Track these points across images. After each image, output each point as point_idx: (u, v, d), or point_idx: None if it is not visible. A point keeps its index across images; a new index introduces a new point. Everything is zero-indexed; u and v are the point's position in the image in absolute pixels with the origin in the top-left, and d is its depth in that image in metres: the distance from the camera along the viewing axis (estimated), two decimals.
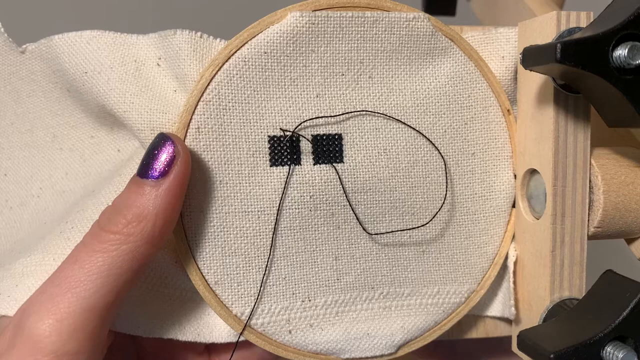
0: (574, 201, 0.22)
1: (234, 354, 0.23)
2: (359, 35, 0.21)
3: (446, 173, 0.23)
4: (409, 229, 0.23)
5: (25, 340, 0.17)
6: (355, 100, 0.22)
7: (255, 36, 0.21)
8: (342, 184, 0.22)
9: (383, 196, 0.22)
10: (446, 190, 0.23)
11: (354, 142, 0.22)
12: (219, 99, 0.20)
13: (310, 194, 0.22)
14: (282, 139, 0.21)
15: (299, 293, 0.22)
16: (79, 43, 0.22)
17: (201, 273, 0.21)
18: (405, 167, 0.22)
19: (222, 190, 0.21)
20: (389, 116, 0.22)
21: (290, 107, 0.21)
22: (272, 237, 0.21)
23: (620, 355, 0.18)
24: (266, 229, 0.21)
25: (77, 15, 0.53)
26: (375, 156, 0.22)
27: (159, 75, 0.21)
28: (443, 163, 0.23)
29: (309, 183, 0.21)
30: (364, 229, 0.22)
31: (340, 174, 0.22)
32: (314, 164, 0.21)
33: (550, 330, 0.20)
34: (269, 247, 0.21)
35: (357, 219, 0.22)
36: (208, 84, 0.20)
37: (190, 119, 0.20)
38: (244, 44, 0.21)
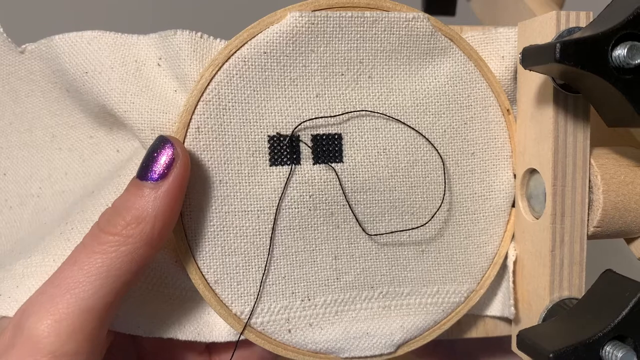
0: (573, 201, 0.22)
1: (234, 353, 0.23)
2: (358, 35, 0.21)
3: (444, 173, 0.23)
4: (409, 230, 0.23)
5: (25, 340, 0.17)
6: (355, 100, 0.22)
7: (255, 36, 0.21)
8: (341, 183, 0.22)
9: (382, 196, 0.22)
10: (444, 190, 0.23)
11: (353, 142, 0.22)
12: (219, 98, 0.21)
13: (310, 193, 0.22)
14: (281, 138, 0.21)
15: (299, 292, 0.22)
16: (79, 43, 0.22)
17: (201, 272, 0.21)
18: (405, 166, 0.22)
19: (222, 189, 0.21)
20: (389, 116, 0.22)
21: (290, 107, 0.21)
22: (272, 237, 0.21)
23: (620, 355, 0.18)
24: (266, 228, 0.21)
25: (77, 15, 0.53)
26: (375, 156, 0.22)
27: (159, 75, 0.21)
28: (442, 163, 0.23)
29: (309, 183, 0.21)
30: (363, 230, 0.22)
31: (339, 173, 0.22)
32: (314, 164, 0.21)
33: (549, 329, 0.20)
34: (268, 247, 0.21)
35: (357, 219, 0.22)
36: (208, 84, 0.20)
37: (190, 118, 0.20)
38: (244, 44, 0.21)
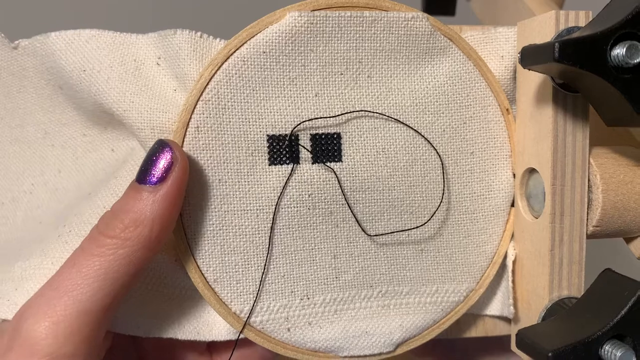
0: (572, 200, 0.22)
1: (233, 352, 0.23)
2: (357, 35, 0.21)
3: (443, 172, 0.23)
4: (408, 230, 0.23)
5: (22, 342, 0.17)
6: (354, 99, 0.22)
7: (254, 36, 0.21)
8: (340, 183, 0.22)
9: (381, 195, 0.22)
10: (443, 190, 0.23)
11: (352, 141, 0.22)
12: (218, 98, 0.21)
13: (309, 192, 0.22)
14: (281, 138, 0.21)
15: (298, 291, 0.22)
16: (77, 41, 0.22)
17: (200, 271, 0.21)
18: (404, 166, 0.22)
19: (221, 189, 0.21)
20: (387, 116, 0.22)
21: (289, 106, 0.21)
22: (271, 236, 0.22)
23: (619, 354, 0.18)
24: (265, 227, 0.21)
25: (77, 14, 0.53)
26: (374, 155, 0.22)
27: (158, 74, 0.21)
28: (441, 162, 0.23)
29: (308, 182, 0.21)
30: (363, 231, 0.22)
31: (338, 173, 0.22)
32: (313, 163, 0.22)
33: (549, 329, 0.20)
34: (267, 246, 0.22)
35: (356, 219, 0.22)
36: (207, 84, 0.20)
37: (190, 118, 0.20)
38: (243, 43, 0.21)
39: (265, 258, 0.22)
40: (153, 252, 0.19)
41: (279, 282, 0.22)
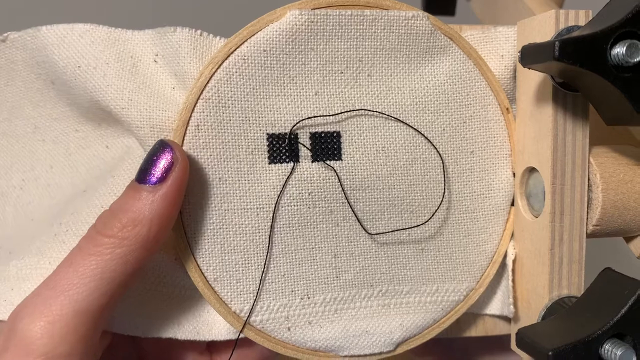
0: (572, 199, 0.22)
1: (234, 351, 0.23)
2: (358, 34, 0.21)
3: (444, 171, 0.23)
4: (409, 228, 0.23)
5: (18, 342, 0.17)
6: (354, 98, 0.22)
7: (254, 34, 0.21)
8: (340, 181, 0.22)
9: (382, 194, 0.22)
10: (444, 189, 0.23)
11: (352, 139, 0.22)
12: (219, 96, 0.21)
13: (309, 191, 0.22)
14: (280, 136, 0.21)
15: (298, 290, 0.22)
16: (70, 36, 0.21)
17: (200, 270, 0.21)
18: (404, 165, 0.22)
19: (221, 187, 0.21)
20: (387, 115, 0.22)
21: (289, 104, 0.21)
22: (271, 235, 0.21)
23: (619, 353, 0.18)
24: (265, 226, 0.21)
25: (74, 11, 0.53)
26: (374, 154, 0.22)
27: (156, 72, 0.21)
28: (441, 161, 0.23)
29: (308, 180, 0.21)
30: (364, 229, 0.22)
31: (338, 171, 0.22)
32: (313, 162, 0.21)
33: (549, 328, 0.20)
34: (267, 244, 0.22)
35: (357, 218, 0.22)
36: (207, 82, 0.20)
37: (190, 116, 0.20)
38: (244, 42, 0.21)
39: (265, 257, 0.22)
40: (151, 252, 0.19)
41: (279, 281, 0.22)
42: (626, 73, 0.18)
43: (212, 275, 0.21)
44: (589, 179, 0.22)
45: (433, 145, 0.23)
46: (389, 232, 0.22)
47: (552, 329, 0.20)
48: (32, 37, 0.22)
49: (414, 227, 0.23)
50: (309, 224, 0.22)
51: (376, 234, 0.22)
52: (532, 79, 0.22)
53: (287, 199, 0.21)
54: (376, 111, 0.22)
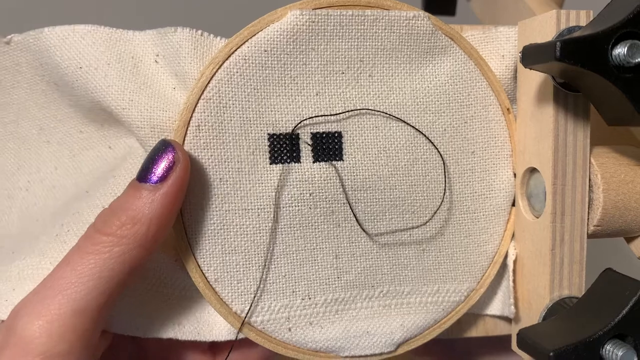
0: (573, 200, 0.22)
1: (234, 351, 0.23)
2: (359, 34, 0.21)
3: (445, 171, 0.23)
4: (409, 229, 0.23)
5: (17, 341, 0.17)
6: (355, 98, 0.22)
7: (255, 34, 0.21)
8: (341, 182, 0.22)
9: (383, 194, 0.22)
10: (445, 189, 0.23)
11: (353, 140, 0.22)
12: (220, 96, 0.21)
13: (310, 191, 0.22)
14: (282, 137, 0.21)
15: (299, 291, 0.22)
16: (71, 37, 0.21)
17: (201, 270, 0.21)
18: (405, 165, 0.22)
19: (222, 188, 0.21)
20: (389, 114, 0.22)
21: (290, 105, 0.21)
22: (272, 235, 0.21)
23: (620, 354, 0.18)
24: (266, 226, 0.21)
25: (75, 12, 0.53)
26: (375, 154, 0.22)
27: (157, 72, 0.21)
28: (442, 162, 0.23)
29: (309, 181, 0.21)
30: (363, 230, 0.22)
31: (339, 172, 0.22)
32: (314, 162, 0.21)
33: (549, 328, 0.20)
34: (268, 245, 0.21)
35: (357, 219, 0.22)
36: (208, 82, 0.20)
37: (191, 116, 0.20)
38: (244, 42, 0.21)
39: (266, 258, 0.22)
40: (149, 251, 0.19)
41: (280, 281, 0.22)
42: (627, 73, 0.18)
43: (212, 276, 0.21)
44: (590, 180, 0.22)
45: (434, 145, 0.22)
46: (388, 232, 0.22)
47: (553, 330, 0.20)
48: (35, 39, 0.22)
49: (414, 227, 0.23)
50: (310, 224, 0.22)
51: (376, 234, 0.22)
52: (533, 79, 0.22)
53: (288, 200, 0.21)
54: (378, 111, 0.22)
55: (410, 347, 0.23)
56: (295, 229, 0.22)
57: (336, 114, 0.22)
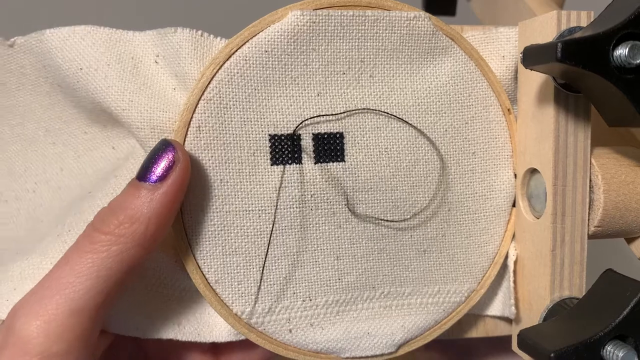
0: (574, 200, 0.22)
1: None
2: (360, 34, 0.21)
3: (442, 172, 0.23)
4: (390, 221, 0.22)
5: (15, 341, 0.17)
6: (356, 98, 0.22)
7: (256, 35, 0.21)
8: (343, 183, 0.22)
9: (384, 195, 0.22)
10: (438, 187, 0.23)
11: (355, 141, 0.22)
12: (220, 97, 0.20)
13: (312, 192, 0.21)
14: (283, 137, 0.21)
15: (300, 292, 0.22)
16: (72, 38, 0.21)
17: (201, 272, 0.21)
18: (407, 166, 0.22)
19: (223, 189, 0.21)
20: (390, 114, 0.22)
21: (291, 105, 0.21)
22: (273, 236, 0.21)
23: (621, 355, 0.18)
24: (267, 228, 0.21)
25: (75, 12, 0.53)
26: (377, 155, 0.22)
27: (157, 73, 0.21)
28: (443, 162, 0.23)
29: (310, 182, 0.21)
30: (350, 210, 0.22)
31: (341, 173, 0.22)
32: (315, 163, 0.21)
33: (550, 329, 0.20)
34: (269, 246, 0.21)
35: (347, 201, 0.22)
36: (209, 83, 0.20)
37: (191, 117, 0.20)
38: (245, 42, 0.20)
39: (266, 259, 0.22)
40: (147, 250, 0.19)
41: (280, 283, 0.22)
42: (628, 74, 0.18)
43: (213, 277, 0.21)
44: (590, 180, 0.22)
45: (435, 146, 0.22)
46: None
47: (554, 331, 0.20)
48: (37, 41, 0.22)
49: (395, 221, 0.22)
50: (311, 225, 0.22)
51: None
52: (534, 80, 0.22)
53: (289, 201, 0.21)
54: (379, 111, 0.22)
55: (411, 348, 0.23)
56: (296, 230, 0.22)
57: (337, 114, 0.21)
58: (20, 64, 0.23)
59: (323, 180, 0.22)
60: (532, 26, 0.22)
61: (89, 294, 0.18)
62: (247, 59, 0.20)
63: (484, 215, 0.23)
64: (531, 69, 0.20)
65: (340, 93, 0.22)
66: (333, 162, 0.22)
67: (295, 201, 0.21)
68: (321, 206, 0.22)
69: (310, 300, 0.22)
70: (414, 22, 0.22)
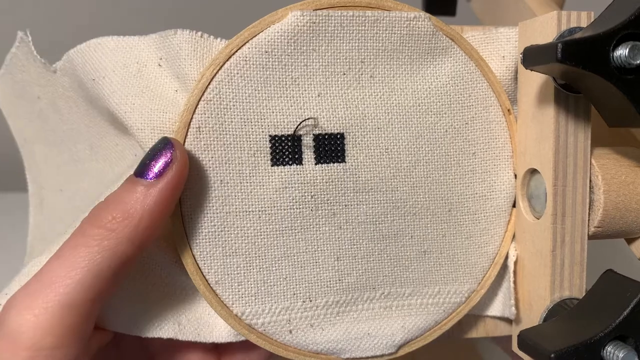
0: (574, 201, 0.22)
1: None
2: (360, 35, 0.21)
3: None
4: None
5: (7, 334, 0.17)
6: (356, 99, 0.22)
7: (256, 35, 0.21)
8: (343, 184, 0.22)
9: (385, 196, 0.22)
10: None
11: (355, 141, 0.22)
12: (220, 98, 0.20)
13: (312, 193, 0.21)
14: (283, 138, 0.21)
15: (300, 293, 0.22)
16: (87, 52, 0.22)
17: (202, 272, 0.21)
18: (407, 167, 0.22)
19: (223, 190, 0.21)
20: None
21: (291, 106, 0.21)
22: (273, 237, 0.21)
23: (621, 355, 0.18)
24: (267, 229, 0.21)
25: (77, 16, 0.53)
26: (377, 156, 0.22)
27: (160, 75, 0.21)
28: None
29: (311, 183, 0.21)
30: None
31: (342, 173, 0.22)
32: (316, 164, 0.21)
33: (550, 329, 0.20)
34: (269, 247, 0.21)
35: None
36: (209, 83, 0.20)
37: (191, 118, 0.20)
38: (245, 43, 0.20)
39: (267, 260, 0.21)
40: (138, 248, 0.19)
41: (281, 284, 0.22)
42: (629, 75, 0.18)
43: (213, 278, 0.21)
44: (590, 181, 0.22)
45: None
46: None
47: (554, 331, 0.20)
48: (68, 62, 0.23)
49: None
50: (311, 226, 0.22)
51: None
52: (534, 80, 0.22)
53: (290, 202, 0.21)
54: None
55: (411, 348, 0.23)
56: (296, 231, 0.22)
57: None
58: (64, 87, 0.24)
59: (324, 181, 0.22)
60: (532, 26, 0.22)
61: (79, 288, 0.18)
62: (247, 59, 0.20)
63: (484, 216, 0.23)
64: (531, 70, 0.20)
65: (341, 94, 0.22)
66: (334, 162, 0.22)
67: (296, 202, 0.21)
68: (321, 207, 0.22)
69: (311, 301, 0.22)
70: (414, 22, 0.22)
